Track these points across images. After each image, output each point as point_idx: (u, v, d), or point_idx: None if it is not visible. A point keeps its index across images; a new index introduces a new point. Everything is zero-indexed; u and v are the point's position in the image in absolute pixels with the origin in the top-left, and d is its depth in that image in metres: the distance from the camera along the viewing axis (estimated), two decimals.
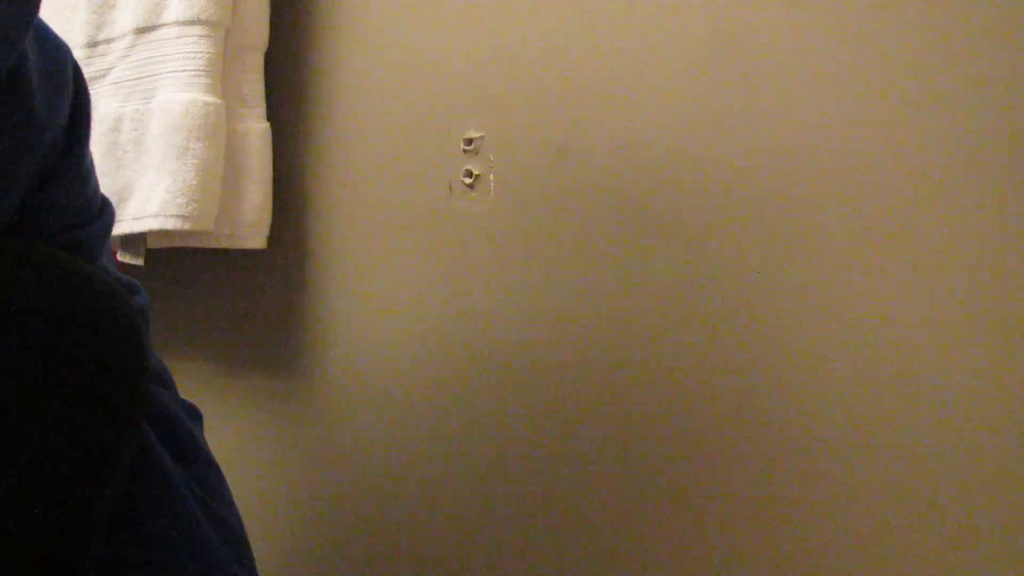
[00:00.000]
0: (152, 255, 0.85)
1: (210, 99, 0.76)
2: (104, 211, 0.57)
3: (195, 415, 0.60)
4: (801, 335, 0.62)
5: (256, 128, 0.81)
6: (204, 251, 0.86)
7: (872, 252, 0.60)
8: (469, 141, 0.75)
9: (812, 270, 0.62)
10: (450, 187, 0.75)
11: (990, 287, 0.57)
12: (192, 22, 0.77)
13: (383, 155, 0.80)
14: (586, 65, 0.70)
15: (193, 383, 0.89)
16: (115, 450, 0.48)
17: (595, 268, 0.70)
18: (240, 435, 0.87)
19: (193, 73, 0.77)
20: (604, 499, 0.69)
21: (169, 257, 0.89)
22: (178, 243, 0.83)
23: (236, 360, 0.88)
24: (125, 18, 0.82)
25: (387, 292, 0.80)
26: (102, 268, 0.54)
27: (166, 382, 0.59)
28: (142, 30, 0.80)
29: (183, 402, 0.59)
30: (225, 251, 0.85)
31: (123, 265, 0.82)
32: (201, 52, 0.77)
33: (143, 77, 0.80)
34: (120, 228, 0.78)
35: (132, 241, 0.82)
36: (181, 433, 0.56)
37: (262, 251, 0.83)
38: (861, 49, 0.61)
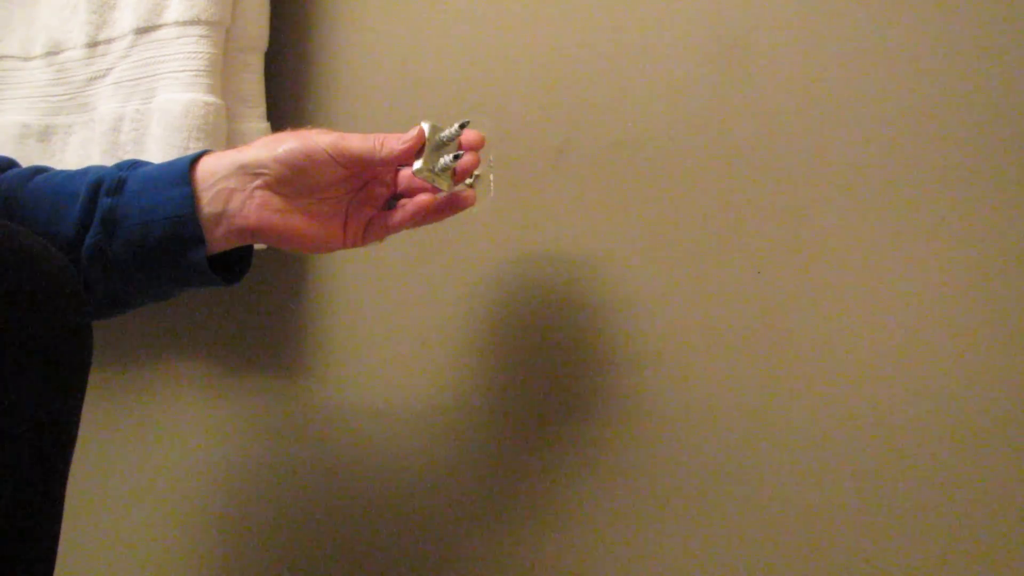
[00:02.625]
0: None
1: (210, 99, 0.76)
2: None
3: None
4: (802, 335, 0.62)
5: (256, 128, 0.81)
6: None
7: (874, 252, 0.60)
8: None
9: (813, 270, 0.62)
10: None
11: (993, 287, 0.57)
12: (192, 22, 0.77)
13: None
14: (586, 65, 0.70)
15: (193, 383, 0.89)
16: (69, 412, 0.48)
17: (595, 268, 0.70)
18: (240, 435, 0.87)
19: (193, 73, 0.77)
20: (605, 497, 0.69)
21: None
22: None
23: (236, 360, 0.88)
24: (125, 18, 0.82)
25: (386, 291, 0.80)
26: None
27: None
28: (142, 30, 0.80)
29: None
30: None
31: None
32: (201, 52, 0.77)
33: (143, 77, 0.80)
34: None
35: None
36: None
37: (262, 251, 0.83)
38: (863, 48, 0.61)
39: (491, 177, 0.74)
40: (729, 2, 0.65)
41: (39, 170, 0.63)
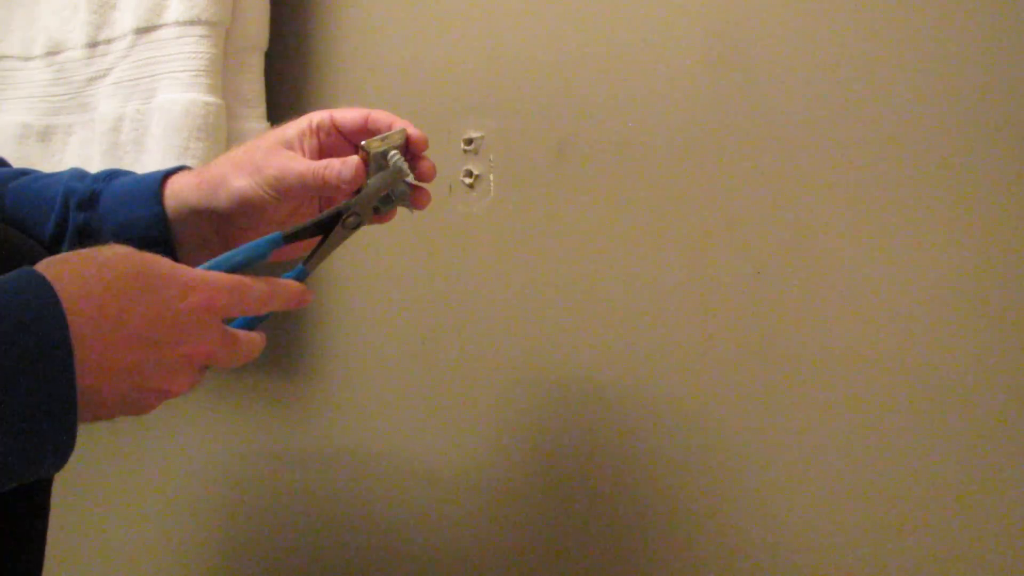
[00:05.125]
0: None
1: (210, 99, 0.76)
2: None
3: None
4: (802, 336, 0.62)
5: (256, 128, 0.81)
6: None
7: (874, 252, 0.60)
8: (469, 141, 0.75)
9: (813, 270, 0.62)
10: (450, 187, 0.75)
11: (994, 287, 0.57)
12: (192, 22, 0.77)
13: None
14: (586, 65, 0.70)
15: None
16: None
17: (595, 268, 0.70)
18: (240, 435, 0.87)
19: (193, 73, 0.77)
20: (605, 493, 0.69)
21: None
22: None
23: None
24: (125, 18, 0.82)
25: (387, 292, 0.80)
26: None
27: None
28: (142, 30, 0.80)
29: None
30: None
31: None
32: (201, 52, 0.77)
33: (143, 77, 0.80)
34: None
35: None
36: None
37: None
38: (862, 48, 0.61)
39: (491, 177, 0.74)
40: (729, 2, 0.65)
41: (23, 172, 0.62)
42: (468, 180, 0.75)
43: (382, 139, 0.55)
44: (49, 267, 0.40)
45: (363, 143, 0.54)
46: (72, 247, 0.57)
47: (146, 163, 0.79)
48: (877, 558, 0.60)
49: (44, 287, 0.39)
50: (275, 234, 0.51)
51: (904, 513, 0.59)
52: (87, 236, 0.57)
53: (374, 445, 0.80)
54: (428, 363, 0.77)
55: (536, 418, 0.72)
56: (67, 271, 0.40)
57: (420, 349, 0.77)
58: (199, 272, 0.45)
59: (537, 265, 0.72)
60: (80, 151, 0.85)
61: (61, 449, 0.39)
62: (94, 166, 0.83)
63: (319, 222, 0.53)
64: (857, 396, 0.61)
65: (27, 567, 0.49)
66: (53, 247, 0.57)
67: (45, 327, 0.38)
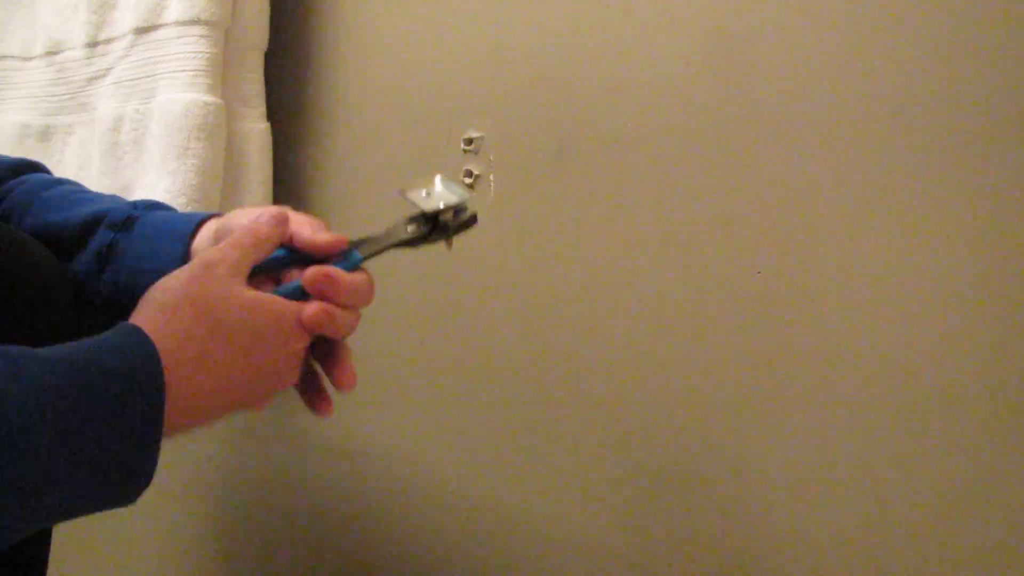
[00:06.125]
0: None
1: (210, 99, 0.76)
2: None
3: None
4: (803, 335, 0.62)
5: (256, 128, 0.81)
6: None
7: (874, 252, 0.60)
8: (469, 141, 0.75)
9: (813, 270, 0.62)
10: None
11: (993, 287, 0.57)
12: (192, 22, 0.77)
13: (383, 155, 0.80)
14: (586, 65, 0.70)
15: None
16: None
17: (595, 268, 0.70)
18: (240, 435, 0.87)
19: (193, 73, 0.77)
20: (605, 493, 0.69)
21: None
22: None
23: None
24: (125, 18, 0.82)
25: (386, 291, 0.79)
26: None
27: None
28: (142, 30, 0.80)
29: None
30: None
31: None
32: (201, 52, 0.77)
33: (143, 77, 0.80)
34: None
35: None
36: None
37: None
38: (863, 48, 0.61)
39: (491, 177, 0.74)
40: (729, 2, 0.65)
41: (62, 181, 0.62)
42: (468, 180, 0.75)
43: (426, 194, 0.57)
44: (154, 322, 0.44)
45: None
46: (91, 262, 0.56)
47: (146, 163, 0.79)
48: (877, 557, 0.60)
49: (144, 344, 0.43)
50: (357, 257, 0.55)
51: (905, 513, 0.59)
52: (109, 258, 0.56)
53: (373, 445, 0.80)
54: (428, 363, 0.77)
55: (536, 417, 0.72)
56: (169, 325, 0.44)
57: (420, 349, 0.77)
58: (295, 313, 0.49)
59: (537, 265, 0.72)
60: (80, 151, 0.85)
61: (141, 490, 0.44)
62: (94, 166, 0.83)
63: (395, 243, 0.58)
64: (858, 395, 0.61)
65: (32, 564, 0.49)
66: (73, 253, 0.57)
67: (142, 381, 0.42)
